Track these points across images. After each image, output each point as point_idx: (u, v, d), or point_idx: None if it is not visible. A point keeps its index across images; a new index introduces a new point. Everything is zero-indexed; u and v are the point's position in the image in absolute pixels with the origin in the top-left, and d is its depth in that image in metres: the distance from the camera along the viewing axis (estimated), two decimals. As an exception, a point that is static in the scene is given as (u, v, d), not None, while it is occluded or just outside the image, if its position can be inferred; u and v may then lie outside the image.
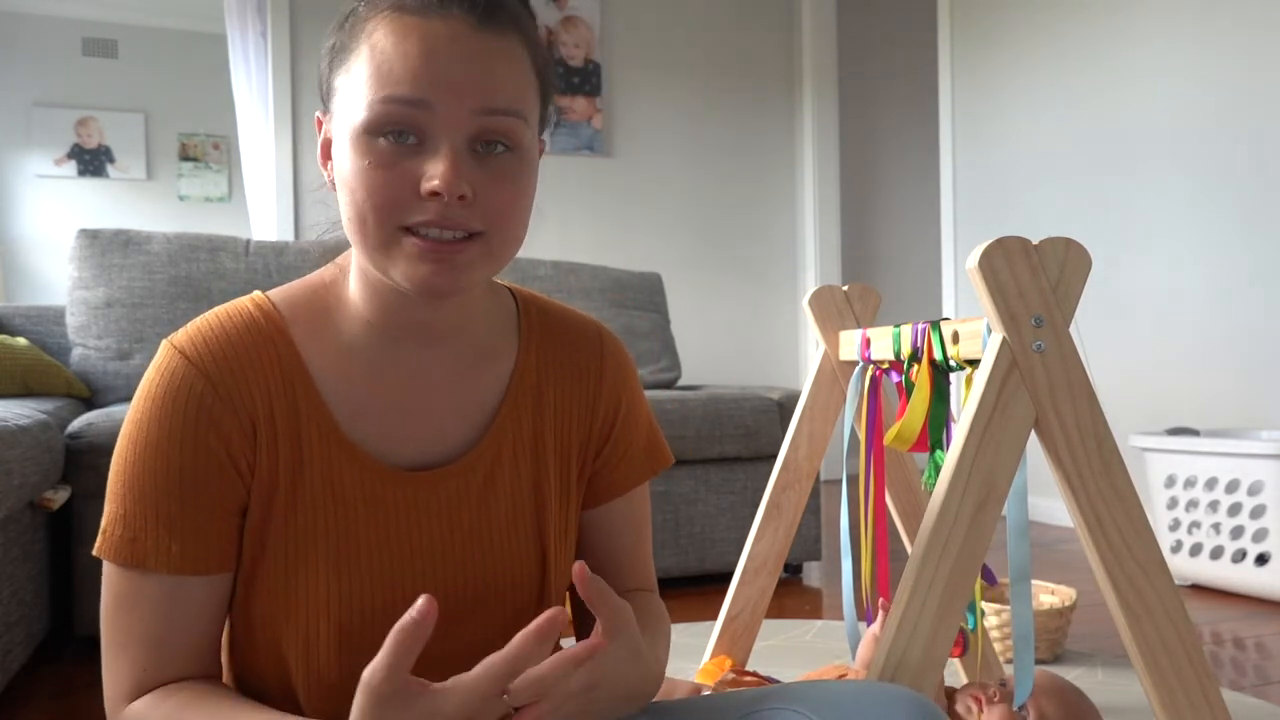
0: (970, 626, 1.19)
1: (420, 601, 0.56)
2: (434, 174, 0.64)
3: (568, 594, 0.85)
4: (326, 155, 0.72)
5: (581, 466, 0.83)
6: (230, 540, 0.70)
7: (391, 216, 0.65)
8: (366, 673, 0.57)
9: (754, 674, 1.30)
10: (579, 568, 0.62)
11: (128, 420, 0.70)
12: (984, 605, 1.73)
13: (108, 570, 0.69)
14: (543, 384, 0.80)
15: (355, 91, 0.66)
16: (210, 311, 0.73)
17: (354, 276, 0.74)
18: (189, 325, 0.72)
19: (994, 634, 1.72)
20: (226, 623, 0.75)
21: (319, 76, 0.72)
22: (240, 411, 0.69)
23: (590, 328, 0.85)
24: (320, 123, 0.72)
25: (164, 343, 0.71)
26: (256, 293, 0.75)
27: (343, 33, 0.69)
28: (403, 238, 0.66)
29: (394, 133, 0.65)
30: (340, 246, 0.76)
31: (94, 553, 0.69)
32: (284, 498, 0.70)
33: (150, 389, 0.69)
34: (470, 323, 0.77)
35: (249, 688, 0.75)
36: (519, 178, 0.68)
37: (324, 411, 0.72)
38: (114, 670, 0.69)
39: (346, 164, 0.67)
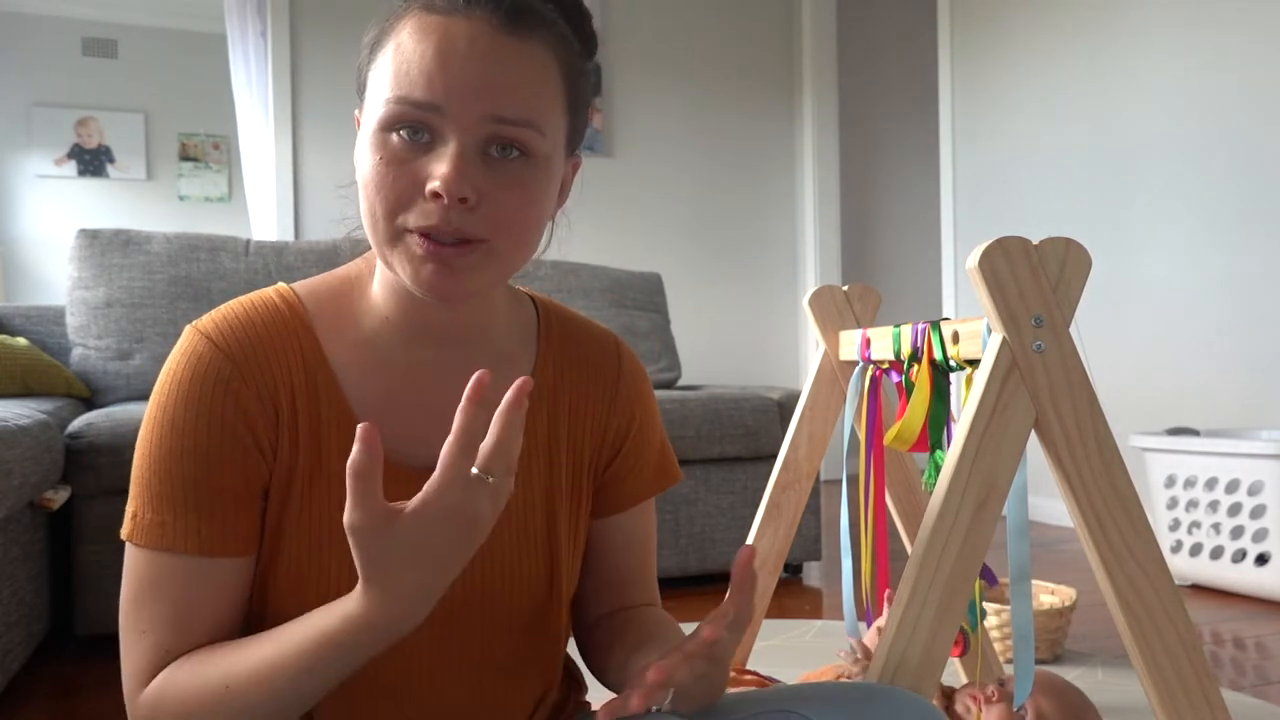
0: (972, 627, 1.19)
1: (360, 429, 0.57)
2: (437, 175, 0.64)
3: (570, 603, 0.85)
4: None
5: (592, 477, 0.83)
6: (254, 523, 0.71)
7: (396, 214, 0.66)
8: (344, 521, 0.58)
9: (754, 674, 1.30)
10: (748, 550, 0.64)
11: (152, 404, 0.70)
12: (984, 605, 1.73)
13: (133, 555, 0.69)
14: (559, 392, 0.80)
15: (378, 88, 0.67)
16: (234, 300, 0.73)
17: (377, 273, 0.75)
18: (213, 312, 0.73)
19: (994, 634, 1.72)
20: None
21: (357, 70, 0.73)
22: (264, 395, 0.70)
23: (609, 340, 0.85)
24: (359, 120, 0.72)
25: (188, 328, 0.72)
26: (280, 284, 0.75)
27: (379, 28, 0.70)
28: (407, 236, 0.66)
29: (408, 129, 0.65)
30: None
31: (123, 536, 0.69)
32: (302, 486, 0.71)
33: (176, 372, 0.69)
34: (490, 327, 0.77)
35: None
36: (530, 185, 0.68)
37: (344, 405, 0.72)
38: (132, 655, 0.69)
39: (365, 159, 0.67)
